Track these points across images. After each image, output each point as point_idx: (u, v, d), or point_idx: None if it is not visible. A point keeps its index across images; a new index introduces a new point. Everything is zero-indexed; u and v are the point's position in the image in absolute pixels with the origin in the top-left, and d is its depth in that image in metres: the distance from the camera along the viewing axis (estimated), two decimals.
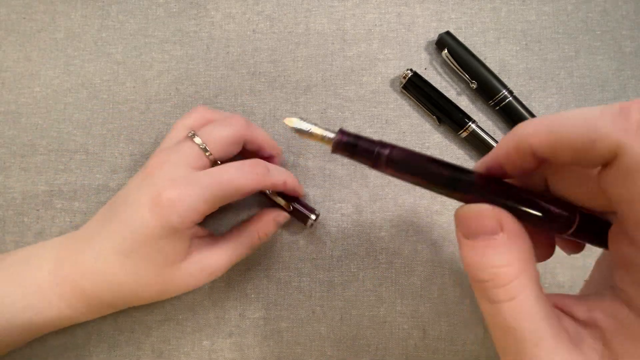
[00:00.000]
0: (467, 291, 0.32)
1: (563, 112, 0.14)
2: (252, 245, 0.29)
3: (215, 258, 0.27)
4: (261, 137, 0.29)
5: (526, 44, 0.34)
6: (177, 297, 0.32)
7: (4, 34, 0.35)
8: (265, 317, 0.32)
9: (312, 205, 0.33)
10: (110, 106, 0.34)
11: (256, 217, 0.30)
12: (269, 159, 0.30)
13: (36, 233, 0.33)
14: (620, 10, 0.34)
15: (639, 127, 0.13)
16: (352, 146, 0.18)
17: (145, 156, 0.34)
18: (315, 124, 0.19)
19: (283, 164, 0.33)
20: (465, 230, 0.16)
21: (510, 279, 0.14)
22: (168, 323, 0.32)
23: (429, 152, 0.33)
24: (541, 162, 0.16)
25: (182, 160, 0.25)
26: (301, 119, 0.19)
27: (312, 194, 0.33)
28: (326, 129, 0.19)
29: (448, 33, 0.33)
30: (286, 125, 0.19)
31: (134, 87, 0.34)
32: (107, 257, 0.25)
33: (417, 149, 0.33)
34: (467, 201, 0.16)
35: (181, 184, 0.24)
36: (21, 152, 0.34)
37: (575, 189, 0.17)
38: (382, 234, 0.33)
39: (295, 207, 0.31)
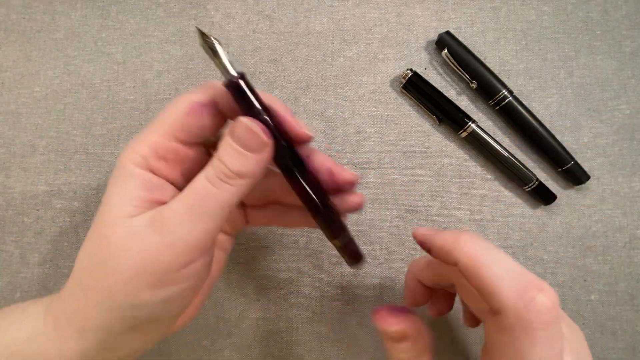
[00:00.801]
0: None
1: (497, 258, 0.19)
2: (208, 179, 0.19)
3: (164, 207, 0.19)
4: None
5: (526, 44, 0.34)
6: None
7: (4, 34, 0.35)
8: (265, 317, 0.32)
9: None
10: (110, 106, 0.34)
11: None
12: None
13: (36, 233, 0.33)
14: (620, 10, 0.34)
15: (524, 307, 0.17)
16: (239, 93, 0.19)
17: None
18: (226, 52, 0.19)
19: None
20: (385, 335, 0.22)
21: None
22: None
23: (428, 152, 0.33)
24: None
25: None
26: (219, 42, 0.19)
27: None
28: (233, 66, 0.19)
29: (448, 33, 0.33)
30: (195, 30, 0.19)
31: (133, 87, 0.34)
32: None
33: (417, 148, 0.33)
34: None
35: None
36: (21, 152, 0.34)
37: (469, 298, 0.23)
38: (382, 234, 0.33)
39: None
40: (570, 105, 0.34)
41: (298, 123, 0.21)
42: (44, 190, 0.33)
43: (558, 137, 0.33)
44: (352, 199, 0.23)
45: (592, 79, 0.34)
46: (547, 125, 0.33)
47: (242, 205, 0.26)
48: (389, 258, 0.32)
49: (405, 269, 0.32)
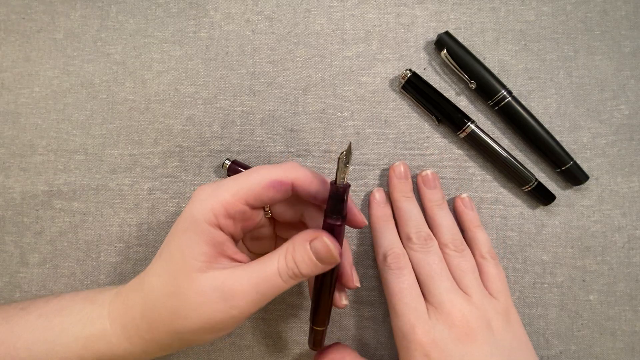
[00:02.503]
0: None
1: None
2: (280, 274, 0.23)
3: (234, 278, 0.23)
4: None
5: (525, 44, 0.34)
6: None
7: (4, 34, 0.35)
8: (264, 317, 0.32)
9: None
10: (110, 106, 0.34)
11: (289, 240, 0.25)
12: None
13: (35, 233, 0.33)
14: (620, 10, 0.34)
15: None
16: (339, 196, 0.23)
17: (145, 156, 0.34)
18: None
19: None
20: None
21: None
22: None
23: (427, 153, 0.33)
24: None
25: None
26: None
27: None
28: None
29: (447, 33, 0.33)
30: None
31: (133, 87, 0.34)
32: (151, 271, 0.24)
33: (416, 149, 0.33)
34: None
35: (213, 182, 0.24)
36: (21, 152, 0.34)
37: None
38: None
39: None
40: (569, 106, 0.34)
41: (361, 216, 0.27)
42: (44, 190, 0.33)
43: (557, 137, 0.33)
44: (340, 302, 0.28)
45: (591, 79, 0.34)
46: (546, 126, 0.33)
47: (273, 220, 0.29)
48: None
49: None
